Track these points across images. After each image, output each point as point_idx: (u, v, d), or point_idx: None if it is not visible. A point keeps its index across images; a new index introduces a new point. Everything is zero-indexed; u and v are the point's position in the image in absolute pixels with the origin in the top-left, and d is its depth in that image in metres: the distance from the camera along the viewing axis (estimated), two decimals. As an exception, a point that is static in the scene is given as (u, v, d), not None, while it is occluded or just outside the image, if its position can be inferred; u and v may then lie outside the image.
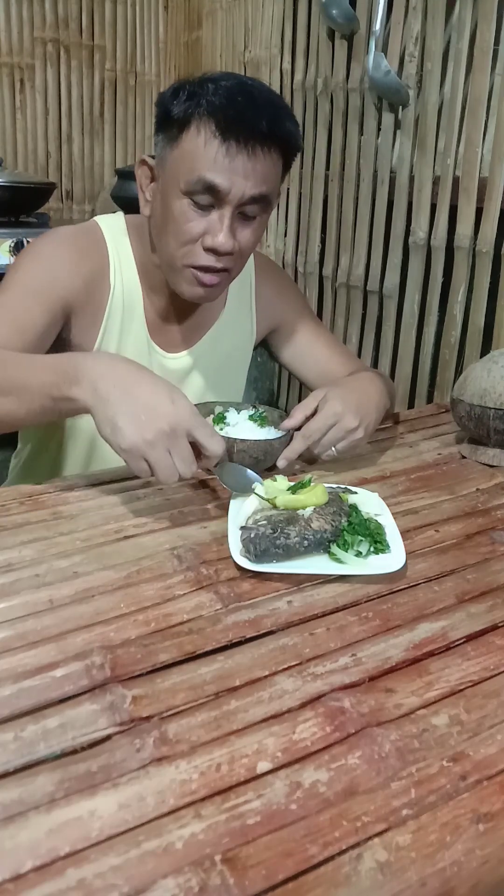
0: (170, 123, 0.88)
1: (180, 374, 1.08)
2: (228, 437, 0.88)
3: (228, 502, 0.80)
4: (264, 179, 0.88)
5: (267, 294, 1.16)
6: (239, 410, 0.99)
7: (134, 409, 0.73)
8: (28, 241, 1.85)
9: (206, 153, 0.85)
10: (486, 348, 1.31)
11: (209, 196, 0.87)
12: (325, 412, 0.91)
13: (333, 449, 0.92)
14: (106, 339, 1.01)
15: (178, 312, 1.06)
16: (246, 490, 0.80)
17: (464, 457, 1.02)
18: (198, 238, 0.90)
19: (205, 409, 0.99)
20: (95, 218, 1.06)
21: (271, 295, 1.16)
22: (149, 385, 0.75)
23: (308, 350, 1.17)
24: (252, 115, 0.85)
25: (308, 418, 0.92)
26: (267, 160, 0.88)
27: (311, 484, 0.77)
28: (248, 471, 0.85)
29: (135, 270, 1.03)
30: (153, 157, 0.95)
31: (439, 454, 1.03)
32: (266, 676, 0.54)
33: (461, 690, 0.54)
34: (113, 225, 1.04)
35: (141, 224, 1.03)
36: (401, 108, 1.50)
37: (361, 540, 0.72)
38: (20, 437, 1.15)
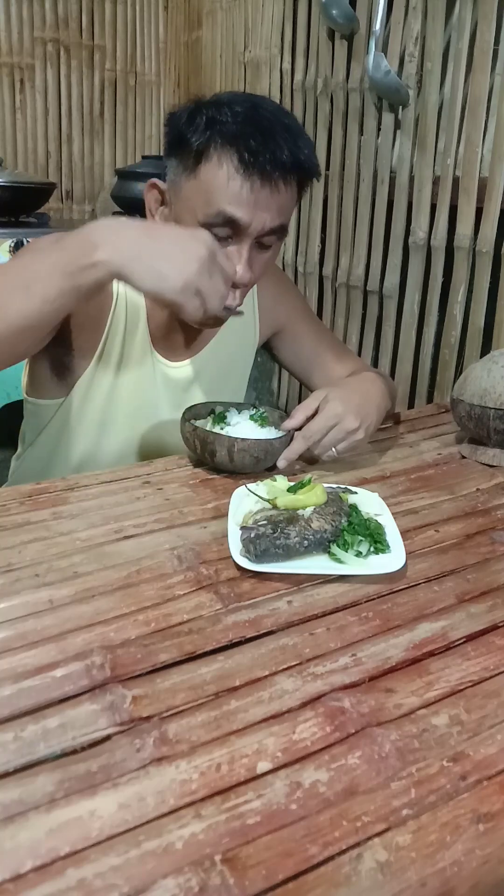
0: (186, 150, 0.85)
1: (184, 384, 1.08)
2: (229, 437, 0.88)
3: (228, 502, 0.80)
4: (283, 211, 0.87)
5: (268, 298, 1.16)
6: (239, 410, 0.99)
7: (169, 251, 0.73)
8: (28, 242, 1.85)
9: (230, 188, 0.83)
10: (486, 348, 1.31)
11: (228, 228, 0.85)
12: (326, 413, 0.91)
13: (334, 450, 0.92)
14: (108, 348, 1.00)
15: (181, 322, 1.05)
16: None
17: (464, 457, 1.02)
18: None
19: (205, 408, 0.99)
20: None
21: (273, 298, 1.16)
22: (163, 227, 0.77)
23: (310, 352, 1.17)
24: (274, 147, 0.83)
25: (309, 419, 0.92)
26: (287, 192, 0.87)
27: (311, 484, 0.77)
28: None
29: None
30: (159, 176, 0.93)
31: (439, 454, 1.03)
32: (266, 676, 0.54)
33: (461, 690, 0.54)
34: None
35: None
36: (401, 108, 1.49)
37: (361, 540, 0.72)
38: (20, 438, 1.15)
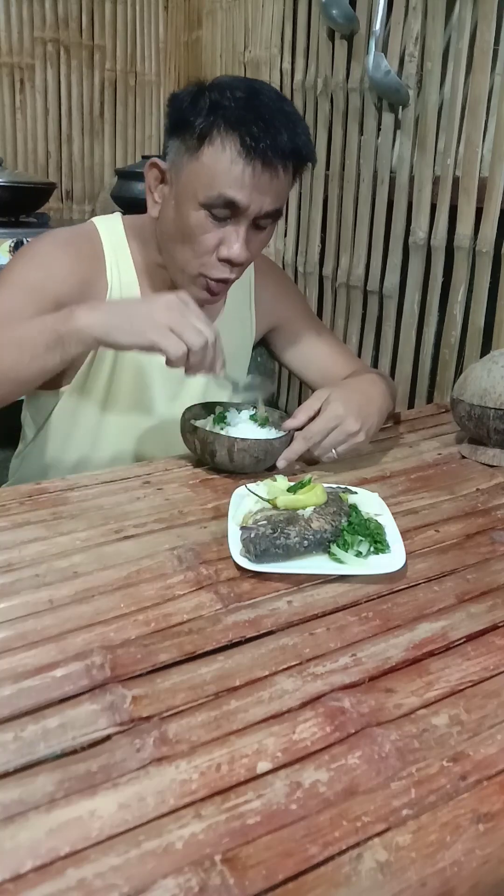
0: (188, 132, 0.88)
1: (180, 374, 1.08)
2: (229, 437, 0.88)
3: (228, 502, 0.80)
4: (280, 194, 0.91)
5: (266, 294, 1.16)
6: (239, 410, 0.99)
7: (137, 308, 0.82)
8: (28, 242, 1.85)
9: (231, 172, 0.87)
10: (486, 348, 1.31)
11: (227, 209, 0.89)
12: (327, 414, 0.91)
13: (334, 451, 0.92)
14: None
15: None
16: (239, 390, 0.85)
17: (464, 457, 1.02)
18: (213, 250, 0.92)
19: (205, 409, 0.99)
20: (92, 219, 1.06)
21: (270, 294, 1.17)
22: (134, 298, 0.85)
23: (308, 349, 1.18)
24: (274, 132, 0.86)
25: (311, 419, 0.92)
26: (285, 177, 0.91)
27: (311, 484, 0.77)
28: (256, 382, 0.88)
29: (133, 272, 1.03)
30: (160, 157, 0.95)
31: (439, 454, 1.03)
32: (266, 676, 0.54)
33: (461, 690, 0.54)
34: (110, 226, 1.04)
35: (140, 225, 1.04)
36: (401, 108, 1.49)
37: (361, 540, 0.72)
38: (21, 436, 1.15)
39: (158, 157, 0.96)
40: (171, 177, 0.93)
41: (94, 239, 1.02)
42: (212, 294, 0.97)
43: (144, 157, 2.28)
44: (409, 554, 0.72)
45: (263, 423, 0.96)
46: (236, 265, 0.93)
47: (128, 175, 2.07)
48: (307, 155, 0.92)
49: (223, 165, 0.87)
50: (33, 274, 0.96)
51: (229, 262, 0.92)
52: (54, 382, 1.03)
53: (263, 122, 0.86)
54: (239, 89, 0.88)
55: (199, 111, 0.87)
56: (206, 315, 1.08)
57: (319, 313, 1.84)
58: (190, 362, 0.82)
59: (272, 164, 0.87)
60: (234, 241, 0.90)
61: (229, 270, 0.94)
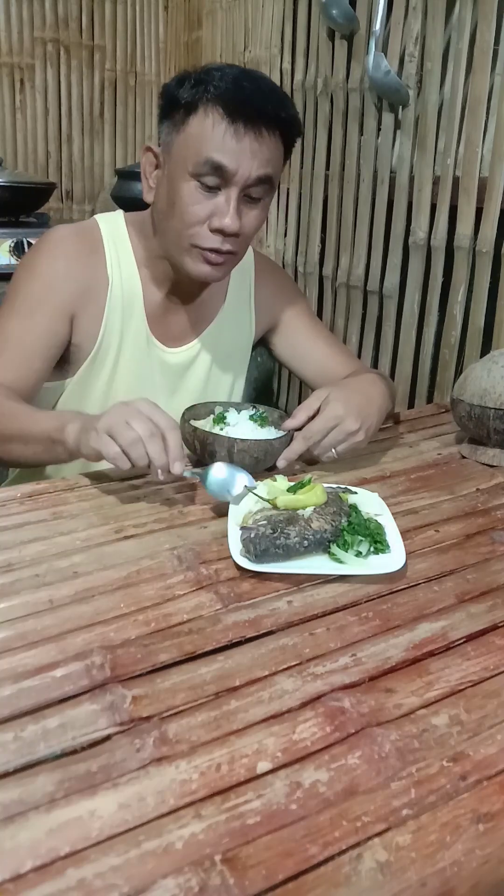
0: (176, 109, 0.91)
1: (180, 369, 1.09)
2: (228, 437, 0.88)
3: (228, 502, 0.80)
4: (269, 161, 0.91)
5: (266, 292, 1.16)
6: (239, 410, 0.99)
7: (110, 413, 0.79)
8: (28, 241, 1.85)
9: (215, 134, 0.88)
10: (486, 348, 1.31)
11: (216, 177, 0.89)
12: (327, 414, 0.91)
13: (333, 451, 0.92)
14: (107, 334, 1.02)
15: (178, 307, 1.07)
16: (224, 496, 0.80)
17: (464, 457, 1.02)
18: (205, 220, 0.92)
19: (205, 408, 0.99)
20: (95, 216, 1.07)
21: (270, 293, 1.17)
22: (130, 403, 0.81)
23: (307, 348, 1.18)
24: (258, 99, 0.88)
25: (310, 419, 0.92)
26: (271, 142, 0.91)
27: (311, 484, 0.77)
28: (236, 471, 0.82)
29: (134, 265, 1.04)
30: (158, 145, 0.97)
31: (439, 454, 1.03)
32: (266, 676, 0.54)
33: (461, 690, 0.54)
34: (111, 221, 1.06)
35: (140, 221, 1.05)
36: (401, 108, 1.49)
37: (361, 540, 0.72)
38: None
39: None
40: (163, 159, 0.95)
41: (93, 235, 1.03)
42: (210, 264, 0.95)
43: (144, 157, 2.28)
44: (409, 554, 0.72)
45: (263, 423, 0.96)
46: (228, 235, 0.93)
47: (128, 175, 2.07)
48: (290, 121, 0.93)
49: (208, 131, 0.88)
50: (36, 289, 0.99)
51: (221, 233, 0.92)
52: (57, 375, 1.04)
53: (249, 90, 0.88)
54: (227, 68, 0.91)
55: (185, 88, 0.90)
56: (204, 311, 1.10)
57: (319, 313, 1.84)
58: (133, 458, 0.77)
59: (256, 125, 0.88)
60: (224, 211, 0.91)
61: (221, 241, 0.93)
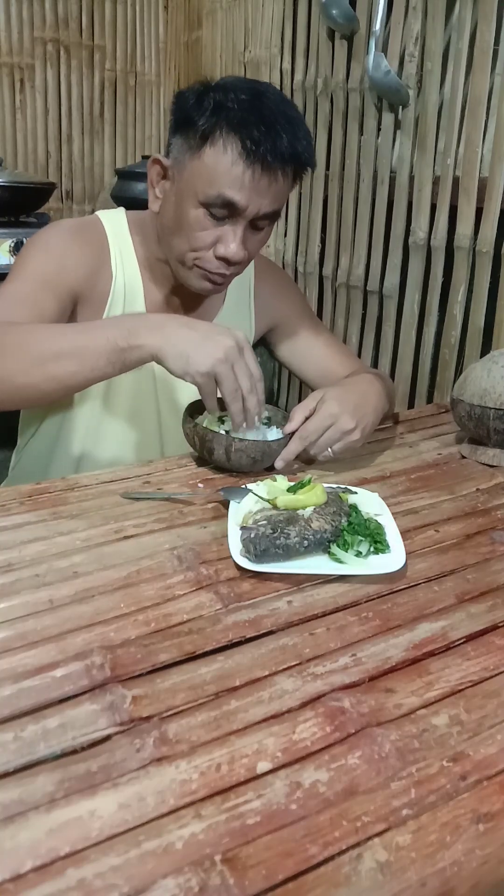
0: (192, 131, 0.90)
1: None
2: (227, 436, 0.88)
3: (228, 502, 0.80)
4: (279, 197, 0.93)
5: (266, 292, 1.17)
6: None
7: (199, 343, 0.81)
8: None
9: (232, 173, 0.88)
10: (486, 348, 1.31)
11: (226, 210, 0.90)
12: (322, 413, 0.91)
13: (330, 450, 0.92)
14: None
15: (179, 307, 1.08)
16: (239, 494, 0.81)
17: (464, 457, 1.02)
18: (210, 246, 0.93)
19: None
20: (97, 212, 1.08)
21: (270, 293, 1.17)
22: (204, 323, 0.85)
23: (307, 348, 1.18)
24: (275, 137, 0.87)
25: (307, 419, 0.92)
26: (284, 181, 0.92)
27: (311, 484, 0.77)
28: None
29: (136, 263, 1.04)
30: (166, 155, 0.97)
31: (439, 454, 1.03)
32: (266, 676, 0.54)
33: (461, 690, 0.54)
34: (113, 218, 1.06)
35: (142, 220, 1.05)
36: (401, 108, 1.49)
37: (361, 540, 0.72)
38: (20, 428, 1.16)
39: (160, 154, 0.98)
40: (172, 173, 0.95)
41: (99, 230, 1.04)
42: (212, 283, 0.97)
43: (144, 157, 2.28)
44: (409, 554, 0.72)
45: (267, 423, 0.96)
46: (233, 264, 0.94)
47: (128, 175, 2.07)
48: (307, 160, 0.93)
49: (224, 167, 0.88)
50: (48, 265, 0.98)
51: (226, 261, 0.94)
52: None
53: (265, 125, 0.87)
54: (243, 91, 0.89)
55: (202, 111, 0.88)
56: (204, 311, 1.10)
57: (319, 313, 1.84)
58: (233, 405, 0.84)
59: (272, 167, 0.88)
60: (230, 241, 0.92)
61: (226, 267, 0.95)
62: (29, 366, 0.82)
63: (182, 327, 0.83)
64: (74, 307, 1.01)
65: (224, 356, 0.81)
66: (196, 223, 0.92)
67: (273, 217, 0.94)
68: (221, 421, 0.96)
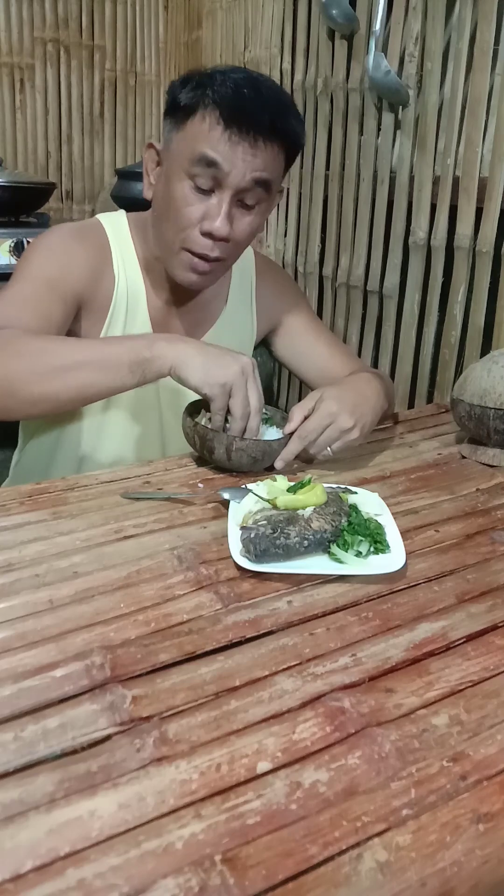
0: (176, 109, 0.92)
1: None
2: (227, 436, 0.88)
3: (228, 502, 0.80)
4: (264, 166, 0.91)
5: (267, 293, 1.16)
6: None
7: (215, 358, 0.85)
8: (28, 241, 1.85)
9: (210, 135, 0.88)
10: (486, 348, 1.31)
11: (210, 177, 0.89)
12: (321, 412, 0.91)
13: (329, 449, 0.92)
14: (111, 332, 1.02)
15: (181, 309, 1.08)
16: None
17: (464, 457, 1.02)
18: (196, 223, 0.92)
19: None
20: (97, 216, 1.07)
21: (272, 294, 1.17)
22: (214, 346, 0.88)
23: (308, 349, 1.18)
24: (256, 109, 0.88)
25: (306, 418, 0.93)
26: (268, 151, 0.90)
27: (311, 484, 0.77)
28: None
29: (137, 266, 1.04)
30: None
31: (439, 454, 1.03)
32: (266, 676, 0.54)
33: (461, 690, 0.54)
34: (115, 221, 1.06)
35: (143, 221, 1.05)
36: (401, 108, 1.49)
37: (361, 540, 0.72)
38: (21, 431, 1.16)
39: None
40: (163, 156, 0.96)
41: (101, 234, 1.04)
42: (196, 273, 0.96)
43: (144, 157, 2.28)
44: (409, 554, 0.72)
45: (267, 424, 0.96)
46: (218, 239, 0.93)
47: (128, 175, 2.06)
48: (289, 135, 0.92)
49: (204, 130, 0.89)
50: (52, 269, 0.98)
51: (211, 236, 0.92)
52: None
53: (249, 98, 0.88)
54: (232, 72, 0.91)
55: (187, 90, 0.90)
56: (206, 313, 1.10)
57: (319, 313, 1.84)
58: (239, 421, 0.87)
59: (251, 134, 0.88)
60: (215, 214, 0.91)
61: (211, 247, 0.93)
62: (48, 375, 0.83)
63: (197, 345, 0.87)
64: (79, 310, 1.01)
65: (241, 370, 0.85)
66: (182, 198, 0.91)
67: (262, 189, 0.92)
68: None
